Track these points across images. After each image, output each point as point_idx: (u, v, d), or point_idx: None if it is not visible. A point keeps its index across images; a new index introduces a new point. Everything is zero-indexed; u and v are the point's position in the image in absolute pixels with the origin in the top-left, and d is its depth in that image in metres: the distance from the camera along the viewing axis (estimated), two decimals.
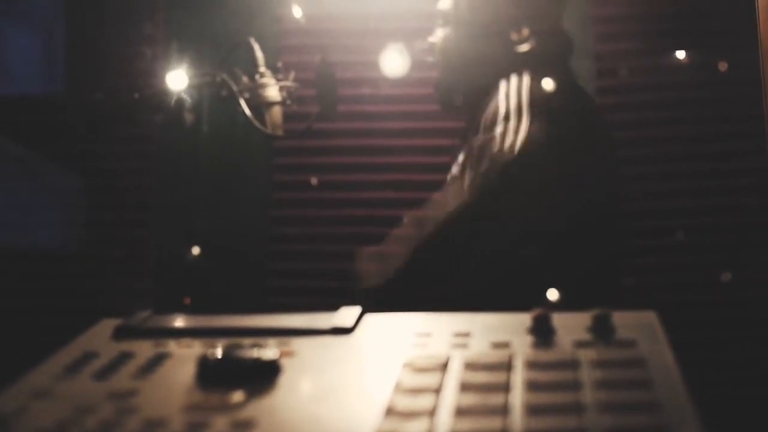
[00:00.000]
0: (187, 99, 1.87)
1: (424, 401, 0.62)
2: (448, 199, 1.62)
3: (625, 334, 0.72)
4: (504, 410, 0.60)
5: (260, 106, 1.79)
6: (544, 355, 0.69)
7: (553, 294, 1.40)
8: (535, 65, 1.61)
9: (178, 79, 1.81)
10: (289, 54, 2.19)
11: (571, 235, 1.47)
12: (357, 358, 0.74)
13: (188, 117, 2.11)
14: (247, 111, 1.78)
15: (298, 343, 0.77)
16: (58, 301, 2.18)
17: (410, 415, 0.60)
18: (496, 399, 0.61)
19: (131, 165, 2.27)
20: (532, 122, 1.50)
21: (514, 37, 1.64)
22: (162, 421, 0.62)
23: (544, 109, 1.52)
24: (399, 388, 0.65)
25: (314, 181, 2.23)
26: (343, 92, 1.99)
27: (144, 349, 0.78)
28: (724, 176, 2.10)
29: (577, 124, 1.56)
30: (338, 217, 2.21)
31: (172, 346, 0.78)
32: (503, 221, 1.48)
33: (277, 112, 1.80)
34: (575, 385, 0.63)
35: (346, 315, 0.82)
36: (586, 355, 0.68)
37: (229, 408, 0.64)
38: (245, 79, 1.80)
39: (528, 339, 0.73)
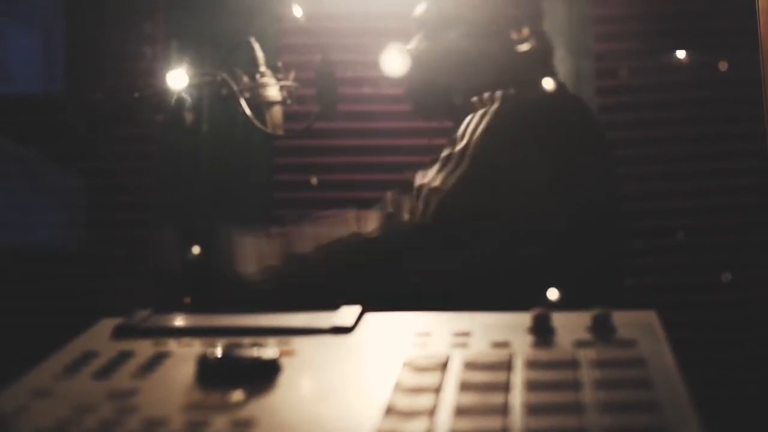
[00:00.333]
0: (188, 99, 1.87)
1: (424, 401, 0.62)
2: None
3: (625, 334, 0.72)
4: (504, 410, 0.60)
5: (260, 105, 1.79)
6: (544, 355, 0.69)
7: (553, 294, 1.40)
8: (535, 64, 1.61)
9: (178, 79, 1.81)
10: (289, 53, 2.19)
11: (571, 236, 1.47)
12: (357, 358, 0.74)
13: (188, 117, 2.11)
14: (248, 110, 1.78)
15: (298, 343, 0.77)
16: (58, 300, 2.18)
17: (410, 414, 0.60)
18: (495, 398, 0.61)
19: (131, 165, 2.27)
20: (473, 165, 1.50)
21: (514, 37, 1.63)
22: (162, 420, 0.62)
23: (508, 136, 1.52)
24: (399, 388, 0.65)
25: (314, 180, 2.23)
26: (344, 92, 1.99)
27: (144, 349, 0.78)
28: (724, 176, 2.10)
29: (573, 125, 1.56)
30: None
31: (172, 345, 0.78)
32: (503, 221, 1.47)
33: (277, 111, 1.80)
34: (575, 385, 0.63)
35: (346, 314, 0.82)
36: (586, 354, 0.68)
37: (228, 407, 0.64)
38: (245, 78, 1.80)
39: (528, 338, 0.73)
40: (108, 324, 0.84)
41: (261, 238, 1.61)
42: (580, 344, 0.70)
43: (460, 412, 0.60)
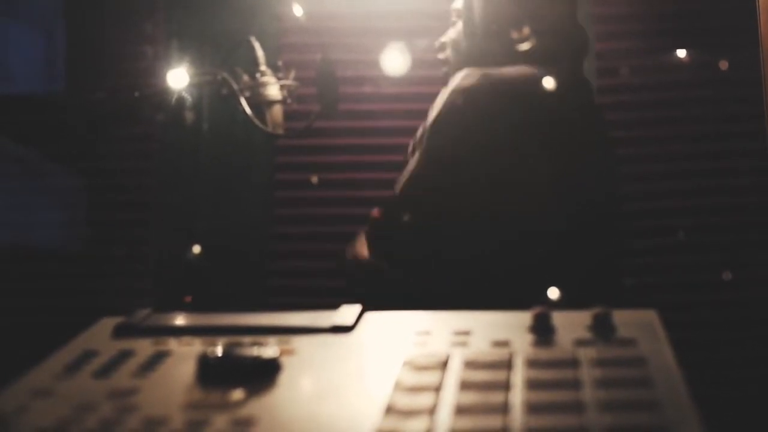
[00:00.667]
0: (188, 98, 1.87)
1: (424, 399, 0.62)
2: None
3: (625, 333, 0.72)
4: (504, 409, 0.60)
5: (261, 104, 1.79)
6: (545, 354, 0.69)
7: (553, 293, 1.40)
8: (535, 64, 1.61)
9: (178, 78, 1.81)
10: (289, 52, 2.19)
11: (571, 235, 1.47)
12: (357, 357, 0.74)
13: (189, 116, 2.11)
14: (248, 110, 1.78)
15: (299, 342, 0.77)
16: (59, 300, 2.18)
17: (410, 413, 0.60)
18: (496, 397, 0.61)
19: (132, 164, 2.27)
20: (426, 152, 1.50)
21: (514, 36, 1.63)
22: (162, 419, 0.62)
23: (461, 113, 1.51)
24: (399, 387, 0.65)
25: (315, 179, 2.23)
26: (344, 91, 1.99)
27: (144, 348, 0.78)
28: (724, 175, 2.10)
29: (575, 124, 1.56)
30: (339, 216, 2.21)
31: (172, 344, 0.78)
32: (503, 221, 1.47)
33: (277, 110, 1.80)
34: (575, 384, 0.63)
35: (347, 313, 0.82)
36: (587, 353, 0.68)
37: (229, 406, 0.64)
38: (246, 77, 1.80)
39: (528, 337, 0.73)
40: (108, 323, 0.84)
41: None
42: (581, 343, 0.70)
43: (461, 411, 0.60)
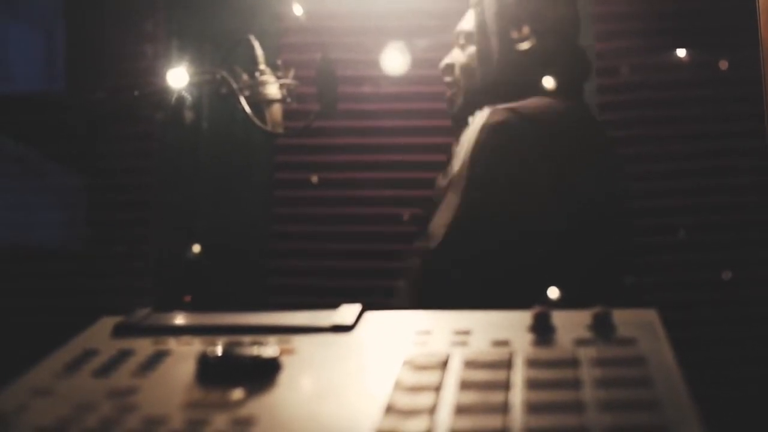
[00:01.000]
0: (188, 97, 1.87)
1: (424, 399, 0.62)
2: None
3: (625, 333, 0.72)
4: (504, 408, 0.60)
5: (260, 103, 1.79)
6: (545, 353, 0.69)
7: (553, 292, 1.40)
8: (536, 65, 1.61)
9: (178, 77, 1.81)
10: (289, 52, 2.19)
11: (572, 235, 1.47)
12: (357, 356, 0.74)
13: (188, 115, 2.11)
14: (248, 109, 1.78)
15: (299, 341, 0.77)
16: (59, 299, 2.18)
17: (410, 413, 0.60)
18: (496, 397, 0.61)
19: (132, 163, 2.27)
20: (471, 188, 1.50)
21: (514, 35, 1.63)
22: (162, 418, 0.62)
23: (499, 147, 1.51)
24: (399, 386, 0.65)
25: (314, 179, 2.23)
26: (344, 90, 1.99)
27: (144, 347, 0.78)
28: (724, 174, 2.10)
29: (576, 127, 1.56)
30: (338, 216, 2.21)
31: (172, 343, 0.78)
32: (503, 221, 1.47)
33: (277, 109, 1.80)
34: (575, 384, 0.63)
35: (347, 313, 0.82)
36: (587, 353, 0.68)
37: (229, 405, 0.64)
38: (245, 76, 1.80)
39: (528, 337, 0.73)
40: (108, 322, 0.84)
41: None
42: (581, 343, 0.70)
43: (461, 410, 0.60)
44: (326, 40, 2.14)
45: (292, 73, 1.83)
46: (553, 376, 0.64)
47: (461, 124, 1.64)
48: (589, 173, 1.53)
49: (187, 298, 2.15)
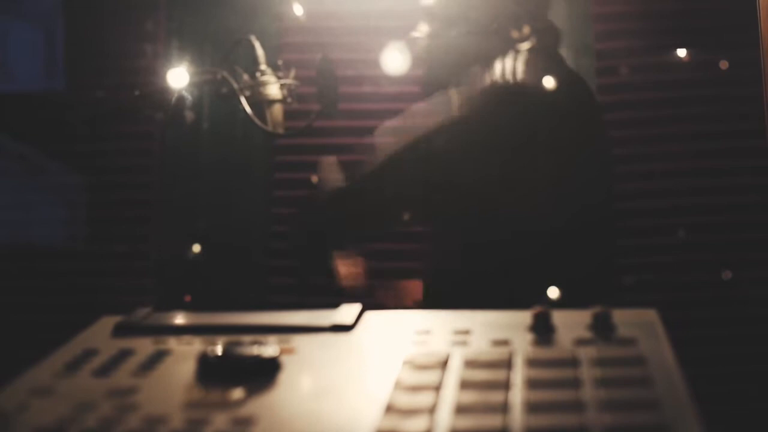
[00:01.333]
0: (188, 97, 1.87)
1: (424, 399, 0.62)
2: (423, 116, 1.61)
3: (625, 332, 0.72)
4: (504, 408, 0.60)
5: (261, 103, 1.79)
6: (544, 353, 0.69)
7: (553, 292, 1.40)
8: (536, 62, 1.61)
9: (179, 77, 1.81)
10: (289, 52, 2.19)
11: (572, 233, 1.47)
12: (357, 356, 0.74)
13: (189, 115, 2.11)
14: (248, 109, 1.78)
15: (299, 341, 0.77)
16: (59, 298, 2.18)
17: (410, 412, 0.60)
18: (496, 396, 0.61)
19: (132, 162, 2.27)
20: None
21: (515, 35, 1.63)
22: (162, 418, 0.62)
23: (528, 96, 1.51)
24: (399, 386, 0.65)
25: (315, 179, 2.23)
26: (344, 90, 1.99)
27: (144, 346, 0.78)
28: (724, 174, 2.10)
29: (575, 119, 1.56)
30: None
31: (172, 343, 0.78)
32: (503, 219, 1.47)
33: (277, 109, 1.80)
34: (575, 383, 0.63)
35: (347, 312, 0.82)
36: (587, 352, 0.68)
37: (229, 405, 0.64)
38: (246, 76, 1.80)
39: (528, 337, 0.73)
40: (108, 322, 0.84)
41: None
42: (581, 342, 0.70)
43: (461, 410, 0.60)
44: (326, 40, 2.14)
45: (292, 73, 1.83)
46: (553, 375, 0.65)
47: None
48: (572, 150, 1.52)
49: (188, 298, 2.15)
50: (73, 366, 0.74)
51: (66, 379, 0.71)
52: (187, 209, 2.26)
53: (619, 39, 2.19)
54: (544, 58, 1.63)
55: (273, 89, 1.79)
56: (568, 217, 1.47)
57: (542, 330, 0.74)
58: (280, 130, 1.81)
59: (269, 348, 0.72)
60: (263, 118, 1.79)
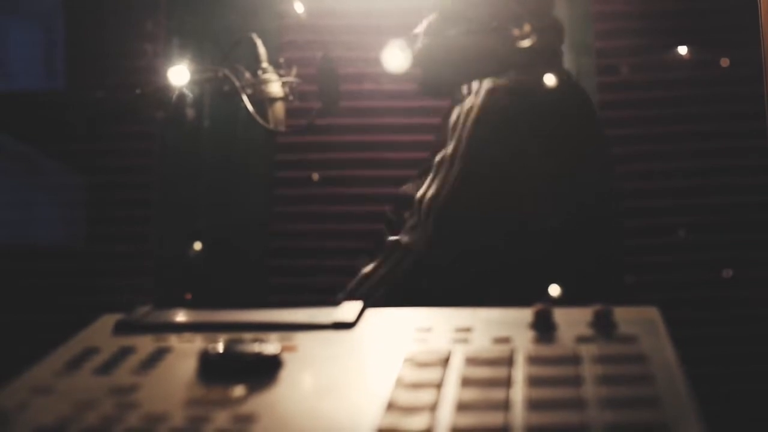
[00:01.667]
0: (189, 95, 1.87)
1: (426, 396, 0.62)
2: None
3: (626, 330, 0.72)
4: (505, 405, 0.60)
5: (262, 101, 1.79)
6: (546, 351, 0.69)
7: (555, 289, 1.40)
8: (535, 61, 1.61)
9: (179, 75, 1.81)
10: (291, 50, 2.19)
11: (573, 232, 1.47)
12: (358, 353, 0.74)
13: (190, 113, 2.11)
14: (250, 107, 1.78)
15: (300, 338, 0.77)
16: (60, 297, 2.18)
17: (411, 409, 0.60)
18: (497, 394, 0.61)
19: (133, 161, 2.27)
20: (465, 166, 1.49)
21: (515, 33, 1.63)
22: (163, 415, 0.62)
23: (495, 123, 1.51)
24: (400, 383, 0.65)
25: (316, 177, 2.23)
26: (345, 88, 1.99)
27: (145, 344, 0.78)
28: (725, 173, 2.10)
29: (573, 121, 1.56)
30: (340, 214, 2.21)
31: (173, 340, 0.78)
32: (504, 218, 1.47)
33: (279, 107, 1.80)
34: (576, 381, 0.63)
35: (348, 310, 0.82)
36: (588, 350, 0.68)
37: (230, 403, 0.64)
38: (247, 74, 1.80)
39: (529, 334, 0.73)
40: (109, 320, 0.84)
41: None
42: (582, 340, 0.70)
43: (462, 407, 0.60)
44: (327, 38, 2.14)
45: (294, 71, 1.83)
46: (555, 373, 0.65)
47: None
48: (589, 162, 1.52)
49: (188, 296, 2.15)
50: (74, 364, 0.74)
51: (67, 377, 0.71)
52: (188, 208, 2.26)
53: (620, 38, 2.19)
54: (544, 57, 1.63)
55: (274, 87, 1.79)
56: (566, 217, 1.47)
57: (543, 327, 0.73)
58: (282, 128, 1.81)
59: (270, 345, 0.72)
60: (265, 116, 1.79)
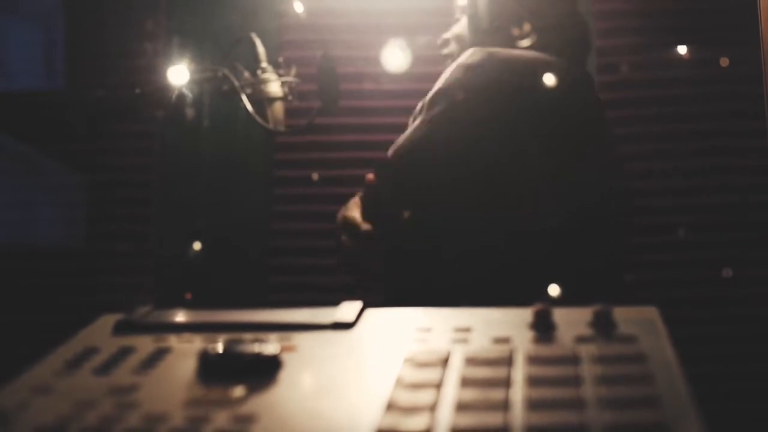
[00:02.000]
0: (189, 95, 1.87)
1: (425, 396, 0.62)
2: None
3: (626, 330, 0.72)
4: (505, 405, 0.60)
5: (262, 101, 1.79)
6: (545, 351, 0.69)
7: (554, 289, 1.40)
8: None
9: (179, 75, 1.81)
10: (290, 49, 2.19)
11: (573, 231, 1.47)
12: (358, 353, 0.74)
13: (190, 112, 2.11)
14: (249, 106, 1.78)
15: (299, 338, 0.77)
16: (59, 296, 2.18)
17: (411, 409, 0.60)
18: (496, 394, 0.61)
19: (133, 161, 2.27)
20: (428, 119, 1.49)
21: (515, 33, 1.63)
22: (163, 416, 0.62)
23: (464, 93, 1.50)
24: (400, 383, 0.65)
25: (315, 176, 2.23)
26: (345, 87, 1.99)
27: (144, 344, 0.78)
28: (725, 172, 2.10)
29: (576, 116, 1.55)
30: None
31: (173, 341, 0.78)
32: (504, 218, 1.47)
33: (278, 107, 1.80)
34: (576, 381, 0.63)
35: (348, 310, 0.82)
36: (587, 350, 0.68)
37: (230, 403, 0.64)
38: (247, 74, 1.80)
39: (529, 334, 0.73)
40: (109, 320, 0.84)
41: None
42: (581, 340, 0.70)
43: (461, 407, 0.60)
44: (327, 38, 2.14)
45: (293, 70, 1.83)
46: (554, 373, 0.64)
47: None
48: (574, 146, 1.51)
49: (188, 296, 2.15)
50: (74, 364, 0.74)
51: (66, 377, 0.71)
52: (188, 207, 2.26)
53: (620, 36, 2.19)
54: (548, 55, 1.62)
55: (274, 87, 1.80)
56: (567, 216, 1.47)
57: (543, 327, 0.73)
58: (281, 128, 1.81)
59: (270, 346, 0.72)
60: (264, 116, 1.79)
